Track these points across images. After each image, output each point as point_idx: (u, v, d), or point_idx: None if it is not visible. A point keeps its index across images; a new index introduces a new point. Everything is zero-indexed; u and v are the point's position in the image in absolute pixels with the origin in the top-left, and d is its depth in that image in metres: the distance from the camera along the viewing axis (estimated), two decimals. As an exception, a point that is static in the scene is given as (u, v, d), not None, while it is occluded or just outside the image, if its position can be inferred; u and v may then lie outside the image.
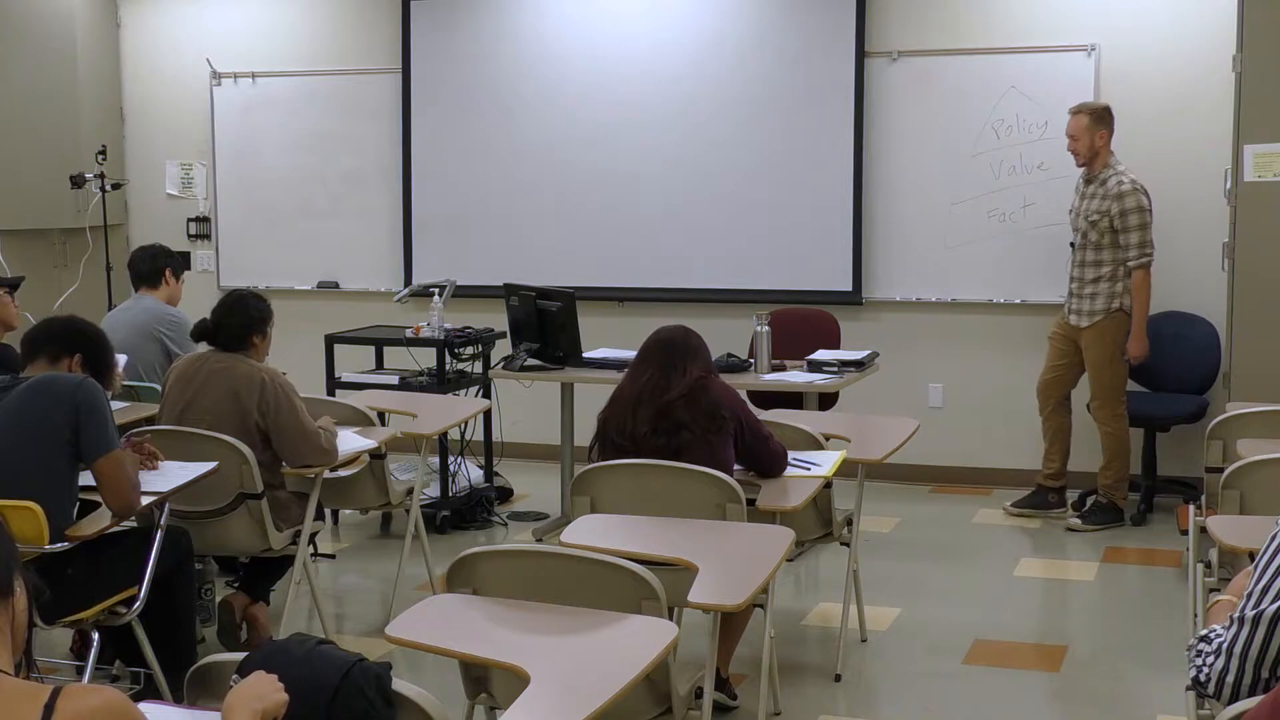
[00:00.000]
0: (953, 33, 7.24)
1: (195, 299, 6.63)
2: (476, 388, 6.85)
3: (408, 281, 7.95)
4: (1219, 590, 3.39)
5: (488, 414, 6.66)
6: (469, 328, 6.75)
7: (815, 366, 6.06)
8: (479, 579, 3.18)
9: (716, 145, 7.60)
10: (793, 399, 6.14)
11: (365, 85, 8.23)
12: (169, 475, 4.20)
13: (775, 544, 3.56)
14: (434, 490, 6.47)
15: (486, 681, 3.14)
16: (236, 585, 4.92)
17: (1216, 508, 4.21)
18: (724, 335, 6.41)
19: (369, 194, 8.29)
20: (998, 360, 7.15)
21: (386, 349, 7.03)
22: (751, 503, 4.09)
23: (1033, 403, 6.70)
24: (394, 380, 6.55)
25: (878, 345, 6.73)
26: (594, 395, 5.40)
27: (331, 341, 6.79)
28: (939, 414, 7.31)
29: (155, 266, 5.95)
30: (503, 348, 6.68)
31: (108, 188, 7.71)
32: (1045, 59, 7.06)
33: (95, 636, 3.95)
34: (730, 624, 4.04)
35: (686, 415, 4.15)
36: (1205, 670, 2.44)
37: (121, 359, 4.91)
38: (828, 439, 4.84)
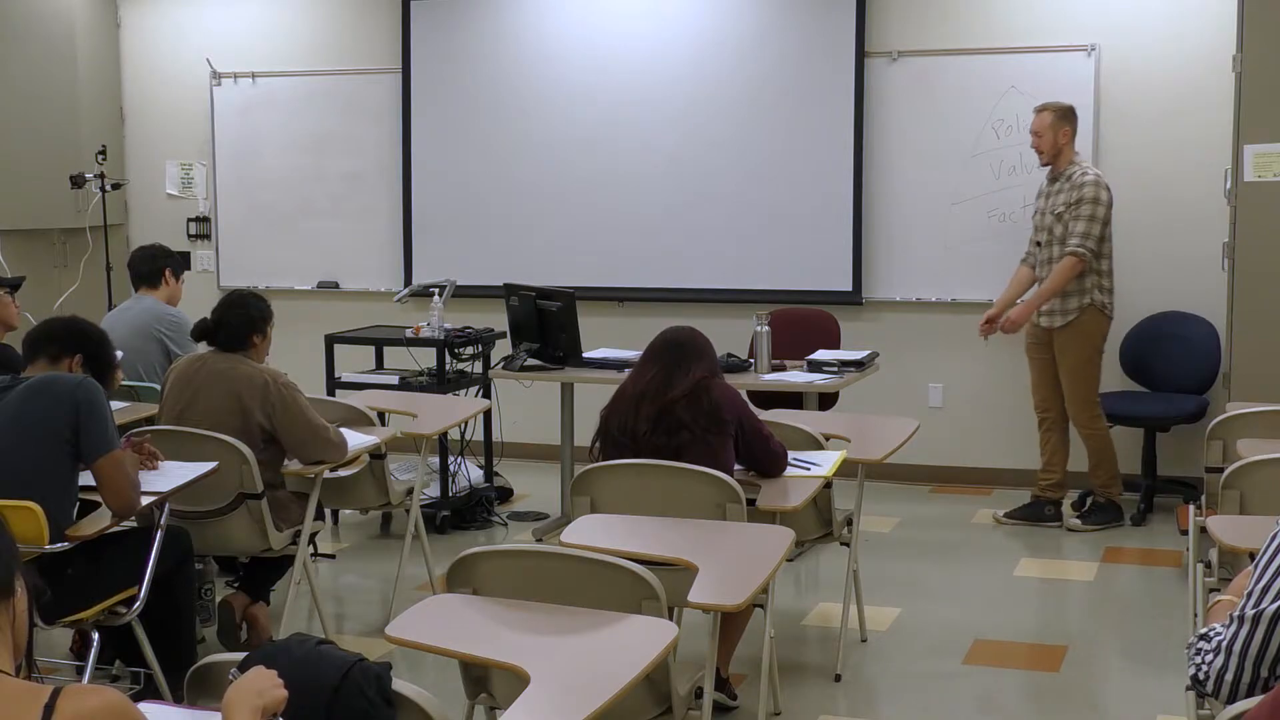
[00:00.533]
0: (953, 33, 7.24)
1: (195, 299, 6.63)
2: (476, 388, 6.85)
3: (408, 281, 7.95)
4: (1219, 590, 3.39)
5: (488, 414, 6.66)
6: (469, 328, 6.75)
7: (815, 366, 6.06)
8: (479, 579, 3.18)
9: (716, 145, 7.60)
10: (793, 399, 6.14)
11: (365, 85, 8.24)
12: (169, 475, 4.20)
13: (775, 544, 3.56)
14: (434, 490, 6.47)
15: (486, 681, 3.15)
16: (236, 585, 4.92)
17: (1216, 508, 4.21)
18: (724, 335, 6.40)
19: (369, 194, 8.29)
20: (998, 360, 7.14)
21: (386, 349, 7.03)
22: (751, 503, 4.09)
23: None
24: (394, 380, 6.55)
25: (878, 345, 6.73)
26: (594, 395, 5.40)
27: (331, 341, 6.79)
28: (939, 414, 7.32)
29: (155, 266, 5.95)
30: (503, 348, 6.68)
31: (108, 188, 7.71)
32: (1045, 59, 7.06)
33: (95, 636, 3.95)
34: (730, 624, 4.04)
35: (687, 415, 4.15)
36: (1204, 668, 2.44)
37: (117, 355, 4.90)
38: (828, 439, 4.84)
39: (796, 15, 7.46)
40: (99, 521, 3.91)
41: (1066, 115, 6.37)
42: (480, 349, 6.77)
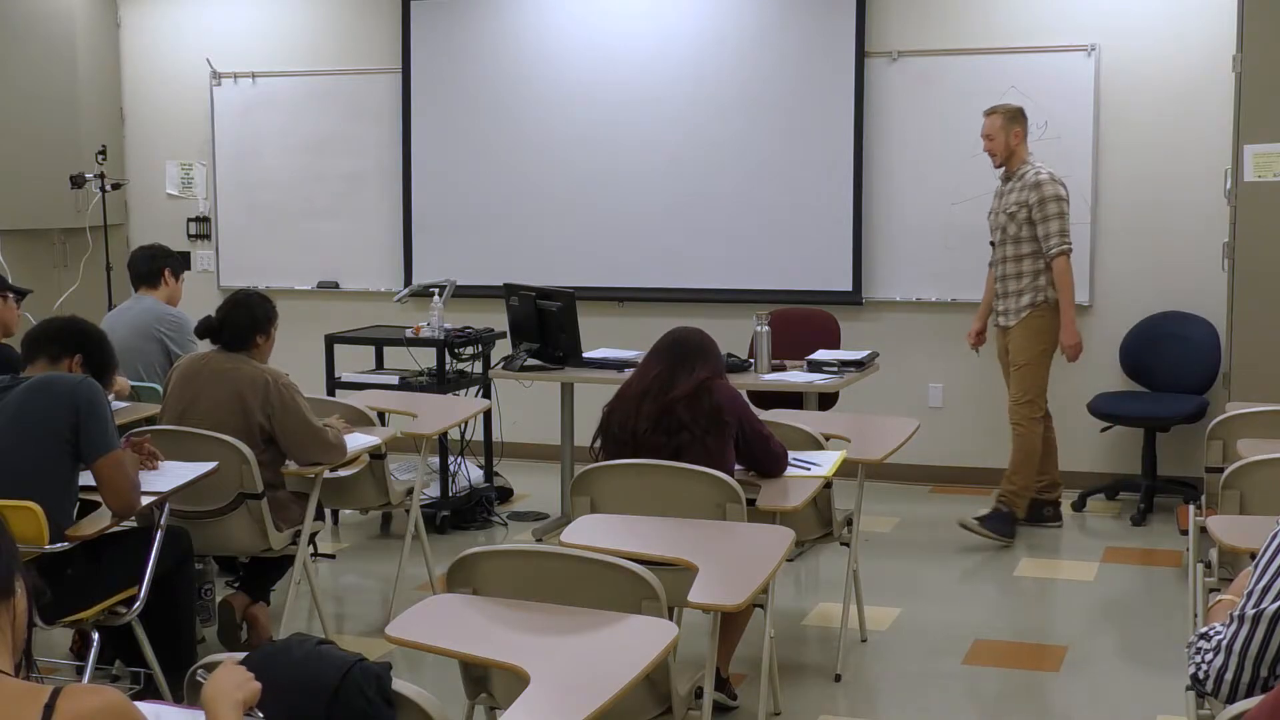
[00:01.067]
0: (953, 33, 7.24)
1: (195, 299, 6.64)
2: (476, 388, 6.85)
3: (408, 281, 7.95)
4: (1219, 590, 3.39)
5: (488, 414, 6.66)
6: (469, 328, 6.75)
7: (815, 366, 6.06)
8: (479, 579, 3.18)
9: (716, 145, 7.60)
10: (793, 399, 6.14)
11: (365, 85, 8.24)
12: (169, 475, 4.20)
13: (775, 544, 3.55)
14: (434, 490, 6.47)
15: (486, 681, 3.15)
16: (236, 585, 4.92)
17: (1216, 508, 4.21)
18: (724, 335, 6.35)
19: (369, 194, 8.29)
20: (998, 360, 7.13)
21: (386, 349, 7.03)
22: (751, 503, 4.09)
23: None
24: (394, 380, 6.55)
25: (878, 345, 6.73)
26: (594, 395, 5.40)
27: (331, 341, 6.79)
28: (939, 414, 7.32)
29: (155, 266, 5.94)
30: (503, 348, 6.68)
31: (108, 188, 7.71)
32: (1045, 59, 7.07)
33: (95, 636, 3.95)
34: (730, 624, 4.04)
35: (688, 415, 4.16)
36: (1204, 668, 2.44)
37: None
38: (828, 439, 4.84)
39: (796, 15, 7.46)
40: (99, 521, 3.91)
41: (1016, 116, 6.36)
42: (480, 349, 6.77)
